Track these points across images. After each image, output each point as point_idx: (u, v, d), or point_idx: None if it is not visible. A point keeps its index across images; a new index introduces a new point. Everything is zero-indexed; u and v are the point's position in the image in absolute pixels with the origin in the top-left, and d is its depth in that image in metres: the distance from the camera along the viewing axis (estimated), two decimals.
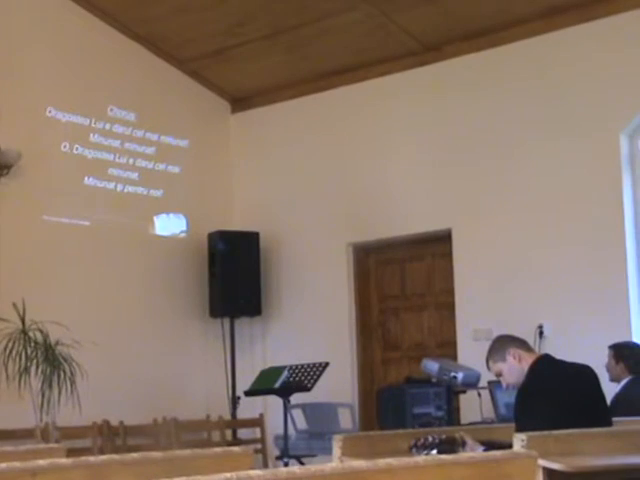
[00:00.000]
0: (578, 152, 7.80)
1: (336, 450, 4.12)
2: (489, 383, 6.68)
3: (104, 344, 8.03)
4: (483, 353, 4.83)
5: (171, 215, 9.27)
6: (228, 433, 8.87)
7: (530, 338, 6.35)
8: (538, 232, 7.96)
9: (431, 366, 6.69)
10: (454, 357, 8.10)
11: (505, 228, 8.15)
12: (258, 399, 8.72)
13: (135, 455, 2.88)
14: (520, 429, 4.14)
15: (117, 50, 8.96)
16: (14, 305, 7.52)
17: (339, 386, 8.57)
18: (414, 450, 4.09)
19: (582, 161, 7.79)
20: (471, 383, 6.67)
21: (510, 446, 3.74)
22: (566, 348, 6.56)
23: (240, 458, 2.92)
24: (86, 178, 8.68)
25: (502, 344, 4.71)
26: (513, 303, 7.97)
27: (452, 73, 8.53)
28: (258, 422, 8.90)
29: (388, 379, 8.83)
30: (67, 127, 8.56)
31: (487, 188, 8.27)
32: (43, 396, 7.43)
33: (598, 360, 6.08)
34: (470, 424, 6.70)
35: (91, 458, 2.73)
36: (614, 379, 6.56)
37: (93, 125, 8.75)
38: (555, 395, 4.47)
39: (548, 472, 3.58)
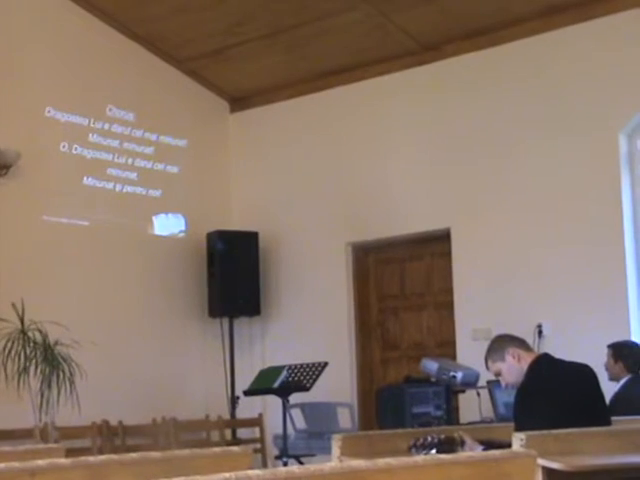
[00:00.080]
0: (577, 151, 7.81)
1: (335, 450, 4.12)
2: (488, 383, 6.68)
3: (103, 344, 8.03)
4: (482, 353, 4.83)
5: (170, 215, 9.27)
6: (227, 433, 8.87)
7: (529, 337, 6.36)
8: (537, 231, 7.96)
9: (430, 366, 6.69)
10: (453, 357, 8.10)
11: (504, 227, 8.15)
12: (257, 399, 8.72)
13: (134, 455, 2.88)
14: (519, 428, 4.14)
15: (116, 50, 8.96)
16: (13, 305, 7.51)
17: (338, 386, 8.57)
18: (413, 450, 4.09)
19: (581, 160, 7.79)
20: (470, 383, 6.68)
21: (509, 445, 3.74)
22: (565, 347, 6.55)
23: (239, 458, 2.92)
24: (85, 178, 8.68)
25: (501, 344, 4.71)
26: (512, 302, 7.97)
27: (451, 73, 8.53)
28: (257, 422, 8.90)
29: (387, 379, 8.83)
30: (66, 127, 8.55)
31: (486, 187, 8.27)
32: (42, 396, 7.42)
33: (597, 359, 6.08)
34: (469, 423, 6.70)
35: (90, 458, 2.73)
36: (613, 378, 6.56)
37: (92, 125, 8.75)
38: (554, 394, 4.47)
39: (547, 471, 3.58)
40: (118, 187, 8.92)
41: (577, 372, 4.63)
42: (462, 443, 4.20)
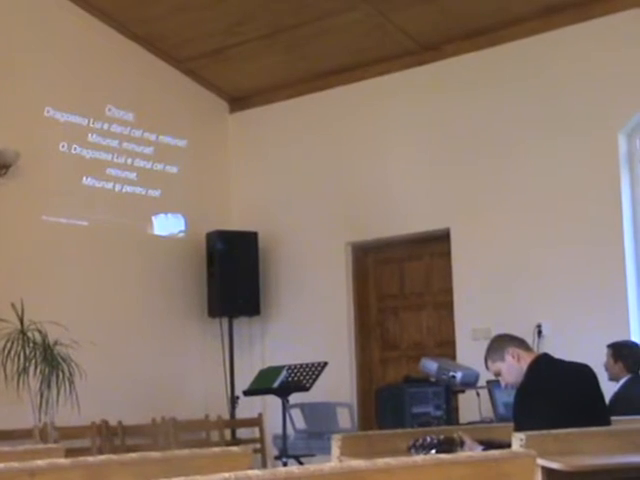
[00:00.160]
0: (576, 151, 7.81)
1: (335, 450, 4.12)
2: (488, 382, 6.68)
3: (103, 344, 8.02)
4: (482, 352, 4.83)
5: (169, 215, 9.27)
6: (227, 433, 8.87)
7: (529, 337, 6.36)
8: (536, 231, 7.96)
9: (430, 365, 6.69)
10: (453, 356, 8.10)
11: (503, 227, 8.15)
12: (257, 399, 8.72)
13: (134, 455, 2.88)
14: (519, 428, 4.14)
15: (115, 50, 8.96)
16: (12, 305, 7.51)
17: (338, 386, 8.58)
18: (413, 450, 4.09)
19: (580, 160, 7.79)
20: (470, 382, 6.68)
21: (509, 445, 3.74)
22: (565, 347, 6.56)
23: (239, 458, 2.92)
24: (84, 178, 8.68)
25: (501, 343, 4.71)
26: (512, 302, 7.97)
27: (450, 72, 8.53)
28: (257, 422, 8.90)
29: (387, 379, 8.83)
30: (65, 127, 8.55)
31: (485, 187, 8.27)
32: (42, 396, 7.42)
33: (597, 359, 6.08)
34: (469, 423, 6.70)
35: (90, 458, 2.73)
36: (613, 378, 6.56)
37: (91, 125, 8.75)
38: (554, 394, 4.47)
39: (547, 471, 3.58)
40: (117, 187, 8.92)
41: (577, 372, 4.63)
42: (462, 443, 4.20)
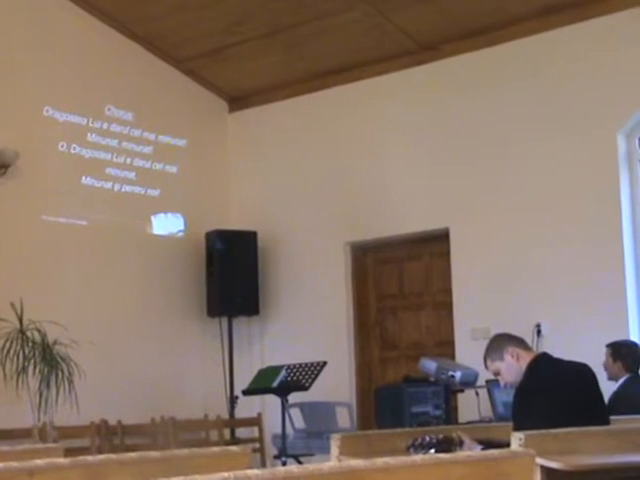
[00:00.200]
0: (575, 151, 7.81)
1: (334, 449, 4.12)
2: (487, 382, 6.68)
3: (102, 344, 8.03)
4: (481, 352, 4.83)
5: (169, 214, 9.27)
6: (226, 432, 8.87)
7: (528, 337, 6.35)
8: (536, 231, 7.96)
9: (429, 365, 6.69)
10: (452, 356, 8.11)
11: (503, 227, 8.15)
12: (256, 398, 8.72)
13: (133, 455, 2.87)
14: (518, 428, 4.14)
15: (114, 49, 8.96)
16: (12, 305, 7.51)
17: (337, 385, 8.58)
18: (412, 450, 4.08)
19: (579, 160, 7.79)
20: (469, 382, 6.68)
21: (508, 445, 3.74)
22: (564, 347, 6.55)
23: (238, 457, 2.92)
24: (83, 178, 8.68)
25: (500, 343, 4.71)
26: (511, 302, 7.97)
27: (449, 72, 8.53)
28: (256, 421, 8.90)
29: (386, 378, 8.83)
30: (64, 126, 8.55)
31: (484, 187, 8.27)
32: (41, 396, 7.42)
33: (596, 359, 6.08)
34: (468, 423, 6.71)
35: (89, 458, 2.73)
36: (612, 378, 6.56)
37: (90, 124, 8.75)
38: (553, 394, 4.47)
39: (546, 471, 3.58)
40: (117, 187, 8.91)
41: (576, 371, 4.63)
42: (461, 443, 4.20)
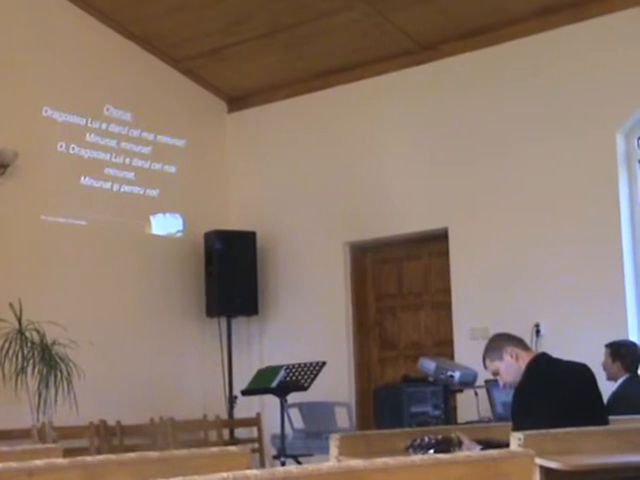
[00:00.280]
0: (574, 151, 7.81)
1: (333, 449, 4.12)
2: (486, 382, 6.68)
3: (101, 344, 8.03)
4: (480, 352, 4.83)
5: (167, 215, 9.27)
6: (225, 433, 8.87)
7: (527, 337, 6.35)
8: (535, 231, 7.96)
9: (428, 365, 6.69)
10: (451, 356, 8.11)
11: (502, 227, 8.15)
12: (255, 398, 8.72)
13: (132, 455, 2.87)
14: (517, 428, 4.14)
15: (113, 49, 8.95)
16: (10, 305, 7.51)
17: (336, 385, 8.57)
18: (410, 450, 4.08)
19: (578, 160, 7.79)
20: (468, 382, 6.68)
21: (507, 445, 3.74)
22: (563, 347, 6.54)
23: (237, 458, 2.92)
24: (82, 178, 8.68)
25: (499, 343, 4.71)
26: (510, 302, 7.97)
27: (448, 72, 8.53)
28: (255, 421, 8.90)
29: (385, 378, 8.83)
30: (63, 127, 8.55)
31: (483, 187, 8.27)
32: (40, 396, 7.42)
33: (595, 359, 6.08)
34: (467, 423, 6.71)
35: (88, 458, 2.72)
36: (611, 378, 6.56)
37: (89, 125, 8.74)
38: (552, 394, 4.47)
39: (545, 471, 3.58)
40: (115, 187, 8.91)
41: (575, 371, 4.63)
42: (460, 443, 4.19)
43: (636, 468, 3.83)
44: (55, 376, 7.49)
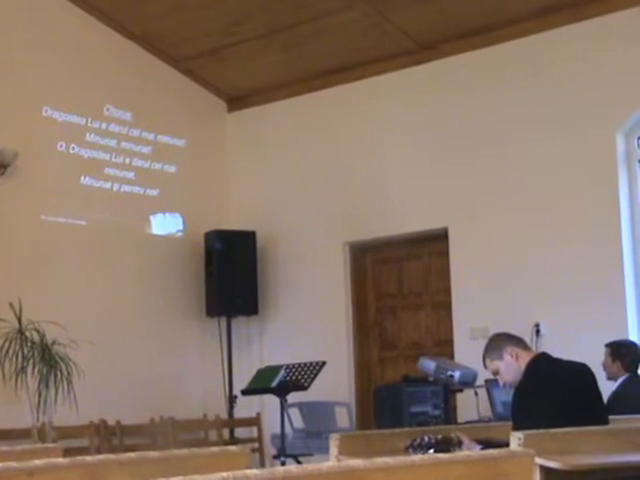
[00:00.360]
0: (574, 151, 7.81)
1: (333, 449, 4.12)
2: (486, 382, 6.68)
3: (101, 344, 8.03)
4: (480, 352, 4.83)
5: (167, 214, 9.27)
6: (225, 432, 8.87)
7: (527, 337, 6.34)
8: (535, 231, 7.96)
9: (428, 365, 6.69)
10: (451, 356, 8.11)
11: (502, 227, 8.15)
12: (255, 398, 8.72)
13: (132, 455, 2.87)
14: (517, 427, 4.14)
15: (113, 49, 8.95)
16: (10, 305, 7.51)
17: (336, 385, 8.57)
18: (410, 450, 4.08)
19: (578, 160, 7.79)
20: (468, 382, 6.68)
21: (507, 445, 3.74)
22: (563, 346, 6.55)
23: (237, 457, 2.92)
24: (82, 178, 8.68)
25: (499, 342, 4.71)
26: (510, 302, 7.97)
27: (448, 72, 8.53)
28: (255, 421, 8.89)
29: (385, 378, 8.83)
30: (63, 126, 8.55)
31: (483, 187, 8.27)
32: (40, 396, 7.42)
33: (595, 358, 6.08)
34: (467, 423, 6.71)
35: (88, 458, 2.72)
36: (611, 377, 6.56)
37: (89, 124, 8.74)
38: (552, 394, 4.47)
39: (545, 470, 3.58)
40: (115, 187, 8.91)
41: (575, 371, 4.63)
42: (459, 443, 4.19)
43: (636, 468, 3.83)
44: (55, 376, 7.49)
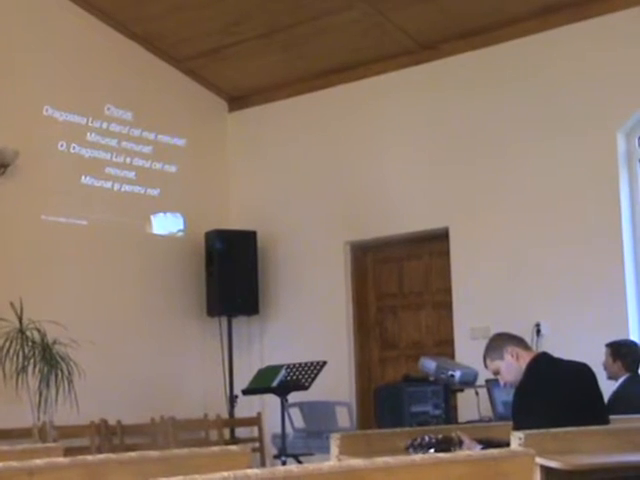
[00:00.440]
0: (575, 151, 7.81)
1: (334, 449, 4.12)
2: (487, 381, 6.68)
3: (101, 343, 8.03)
4: (481, 351, 4.83)
5: (168, 214, 9.27)
6: (226, 432, 8.87)
7: (527, 336, 6.35)
8: (535, 230, 7.96)
9: (429, 365, 6.69)
10: (452, 356, 8.11)
11: (502, 227, 8.15)
12: (256, 398, 8.72)
13: (132, 454, 2.87)
14: (518, 427, 4.14)
15: (114, 49, 8.96)
16: (11, 304, 7.51)
17: (337, 385, 8.58)
18: (411, 450, 4.08)
19: (579, 159, 7.79)
20: (469, 381, 6.68)
21: (508, 444, 3.74)
22: (563, 346, 6.55)
23: (238, 457, 2.92)
24: (83, 177, 8.68)
25: (500, 342, 4.71)
26: (510, 301, 7.97)
27: (448, 72, 8.53)
28: (256, 421, 8.90)
29: (386, 378, 8.83)
30: (64, 126, 8.55)
31: (484, 187, 8.27)
32: (40, 395, 7.42)
33: (595, 358, 6.08)
34: (468, 422, 6.71)
35: (88, 457, 2.72)
36: (611, 377, 6.56)
37: (90, 124, 8.74)
38: (553, 393, 4.47)
39: (546, 470, 3.58)
40: (116, 186, 8.91)
41: (576, 371, 4.63)
42: (460, 442, 4.19)
43: (636, 468, 3.83)
44: (56, 375, 7.49)
